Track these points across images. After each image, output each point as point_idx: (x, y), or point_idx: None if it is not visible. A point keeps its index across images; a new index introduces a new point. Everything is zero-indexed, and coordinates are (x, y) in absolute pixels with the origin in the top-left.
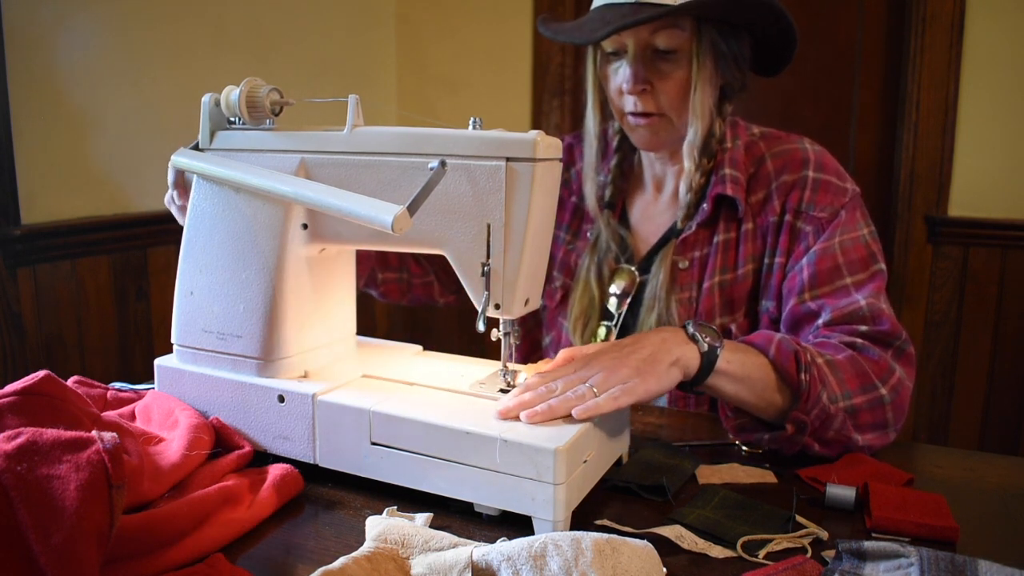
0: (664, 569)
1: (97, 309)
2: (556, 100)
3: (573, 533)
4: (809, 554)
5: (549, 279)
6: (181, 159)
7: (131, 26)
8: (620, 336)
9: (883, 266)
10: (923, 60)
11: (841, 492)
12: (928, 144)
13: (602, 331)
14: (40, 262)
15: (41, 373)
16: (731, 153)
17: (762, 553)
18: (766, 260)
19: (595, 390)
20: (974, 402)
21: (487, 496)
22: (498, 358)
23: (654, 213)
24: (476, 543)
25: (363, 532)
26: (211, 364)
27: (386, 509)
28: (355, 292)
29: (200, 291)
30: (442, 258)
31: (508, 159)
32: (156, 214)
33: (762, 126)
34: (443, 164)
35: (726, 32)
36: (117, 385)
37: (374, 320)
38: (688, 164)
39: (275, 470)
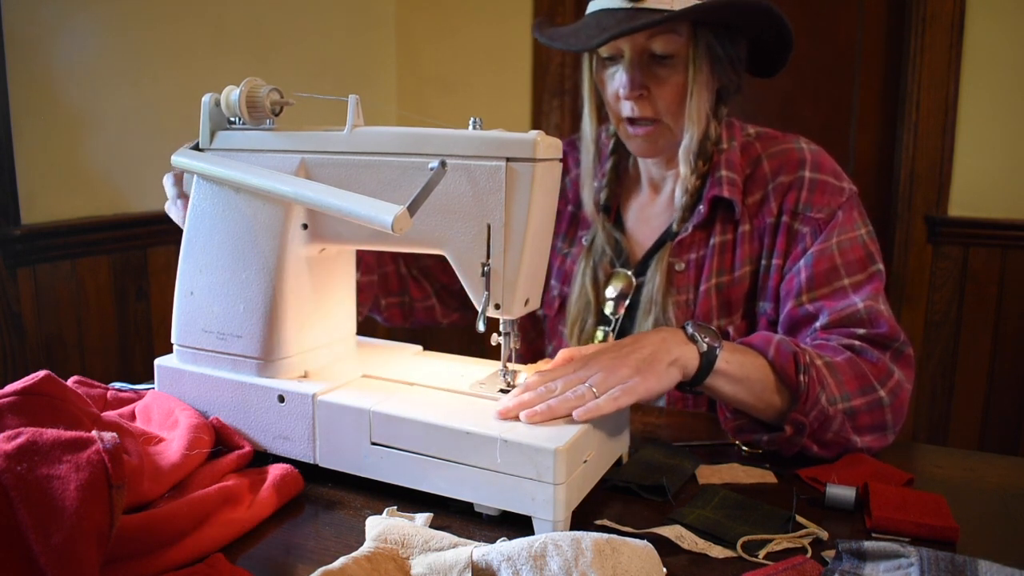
0: (664, 569)
1: (97, 309)
2: (556, 100)
3: (573, 533)
4: (809, 554)
5: (547, 288)
6: (181, 159)
7: (131, 26)
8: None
9: (881, 266)
10: (923, 60)
11: (841, 492)
12: (928, 144)
13: (599, 335)
14: (40, 262)
15: (41, 373)
16: (727, 154)
17: (762, 553)
18: (763, 262)
19: (595, 390)
20: (974, 402)
21: (487, 496)
22: (498, 358)
23: (650, 216)
24: (476, 543)
25: (363, 532)
26: (211, 364)
27: (386, 509)
28: (355, 292)
29: (200, 291)
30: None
31: (508, 159)
32: (156, 214)
33: (762, 126)
34: (443, 164)
35: (722, 35)
36: (117, 385)
37: (374, 320)
38: (684, 170)
39: (275, 470)
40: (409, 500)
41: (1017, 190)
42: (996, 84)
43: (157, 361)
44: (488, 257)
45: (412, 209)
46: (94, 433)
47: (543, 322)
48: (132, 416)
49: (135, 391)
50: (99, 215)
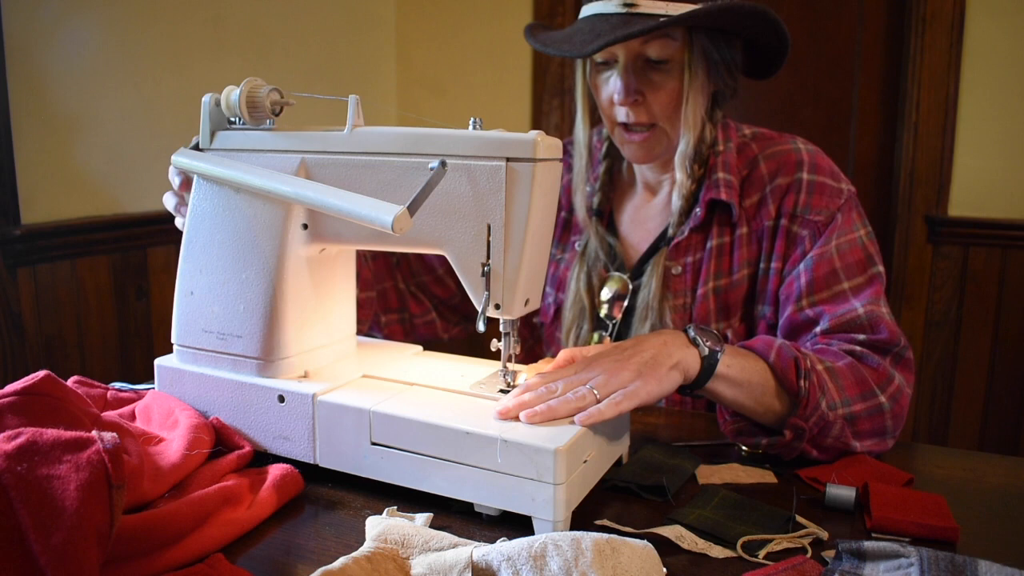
0: (664, 569)
1: (97, 309)
2: (556, 100)
3: (573, 533)
4: (809, 554)
5: (542, 295)
6: (181, 159)
7: (131, 27)
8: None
9: (881, 268)
10: (923, 60)
11: (841, 492)
12: (928, 144)
13: (595, 340)
14: (40, 262)
15: (41, 373)
16: (723, 156)
17: (762, 553)
18: (762, 265)
19: (596, 392)
20: (974, 402)
21: (487, 496)
22: (498, 358)
23: (645, 219)
24: (476, 543)
25: (363, 532)
26: (211, 364)
27: (386, 509)
28: (355, 292)
29: (200, 291)
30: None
31: (508, 159)
32: (156, 214)
33: (761, 126)
34: (443, 164)
35: (718, 39)
36: (117, 385)
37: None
38: (680, 175)
39: (275, 470)
40: (409, 500)
41: (1017, 190)
42: (996, 84)
43: (157, 361)
44: (488, 257)
45: (412, 209)
46: (94, 433)
47: (540, 330)
48: (132, 416)
49: (135, 391)
50: (99, 215)
